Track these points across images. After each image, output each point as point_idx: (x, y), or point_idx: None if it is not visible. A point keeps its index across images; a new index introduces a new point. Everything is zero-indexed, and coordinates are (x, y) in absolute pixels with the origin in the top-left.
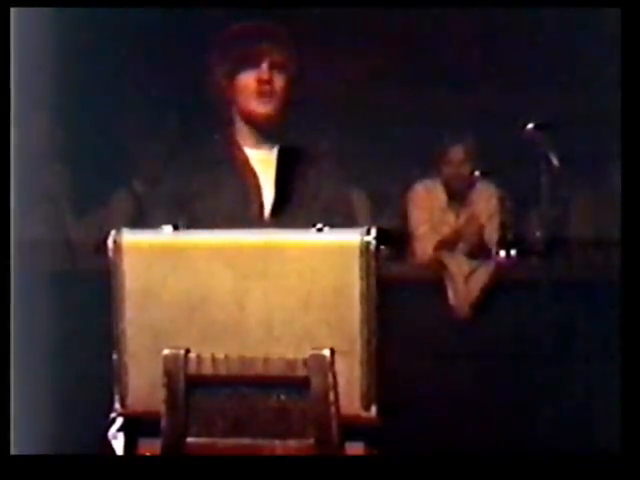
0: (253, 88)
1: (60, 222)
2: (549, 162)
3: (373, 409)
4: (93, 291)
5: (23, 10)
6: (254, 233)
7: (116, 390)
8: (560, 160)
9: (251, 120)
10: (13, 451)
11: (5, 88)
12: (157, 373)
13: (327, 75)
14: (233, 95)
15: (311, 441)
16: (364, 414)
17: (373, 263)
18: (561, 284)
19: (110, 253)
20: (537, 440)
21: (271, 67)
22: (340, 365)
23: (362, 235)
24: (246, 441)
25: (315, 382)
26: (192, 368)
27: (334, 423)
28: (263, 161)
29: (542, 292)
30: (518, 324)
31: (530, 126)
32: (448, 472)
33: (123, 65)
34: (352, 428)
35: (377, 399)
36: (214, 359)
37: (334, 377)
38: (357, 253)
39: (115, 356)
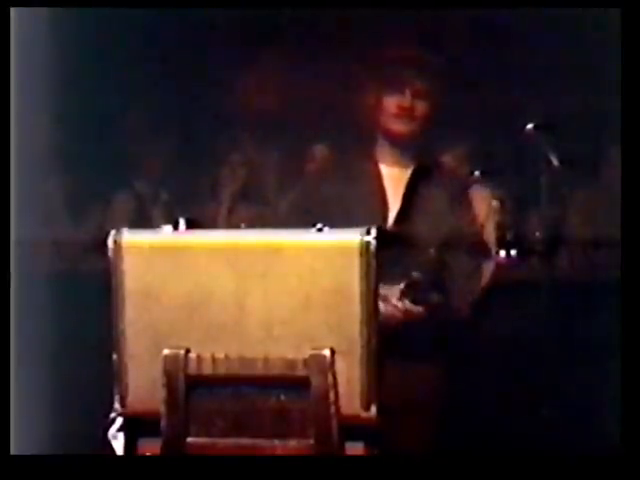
0: (395, 112)
1: (60, 222)
2: (549, 162)
3: (373, 409)
4: (93, 291)
5: (23, 10)
6: (254, 233)
7: (116, 390)
8: (560, 160)
9: (390, 139)
10: (13, 451)
11: (5, 88)
12: (157, 373)
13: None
14: (378, 114)
15: (311, 441)
16: (364, 414)
17: (373, 263)
18: (561, 284)
19: (110, 253)
20: (537, 440)
21: (413, 95)
22: (340, 365)
23: (362, 235)
24: (246, 441)
25: (315, 382)
26: (192, 368)
27: (334, 423)
28: (395, 178)
29: (542, 292)
30: (518, 324)
31: (530, 126)
32: (448, 472)
33: (123, 65)
34: (352, 428)
35: (377, 399)
36: (214, 359)
37: (334, 377)
38: (357, 253)
39: (115, 356)
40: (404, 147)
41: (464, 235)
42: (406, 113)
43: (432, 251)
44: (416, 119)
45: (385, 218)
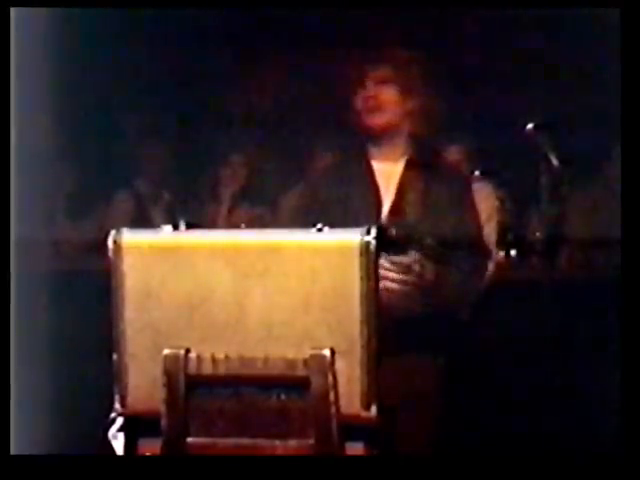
0: (362, 105)
1: (60, 222)
2: (549, 162)
3: (373, 409)
4: (93, 291)
5: (23, 10)
6: (254, 233)
7: (116, 390)
8: (560, 160)
9: (371, 133)
10: (13, 451)
11: (5, 88)
12: (157, 373)
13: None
14: (353, 112)
15: (311, 441)
16: (364, 414)
17: (373, 263)
18: (561, 284)
19: (110, 253)
20: (537, 440)
21: (376, 84)
22: (340, 365)
23: (362, 235)
24: (246, 441)
25: (315, 382)
26: (192, 368)
27: (334, 423)
28: (387, 172)
29: (542, 292)
30: (518, 324)
31: (530, 126)
32: (448, 472)
33: (123, 65)
34: (352, 428)
35: (377, 399)
36: (214, 359)
37: (334, 377)
38: (357, 253)
39: (115, 356)
40: (388, 140)
41: (461, 232)
42: (373, 104)
43: (430, 241)
44: (386, 109)
45: (379, 214)
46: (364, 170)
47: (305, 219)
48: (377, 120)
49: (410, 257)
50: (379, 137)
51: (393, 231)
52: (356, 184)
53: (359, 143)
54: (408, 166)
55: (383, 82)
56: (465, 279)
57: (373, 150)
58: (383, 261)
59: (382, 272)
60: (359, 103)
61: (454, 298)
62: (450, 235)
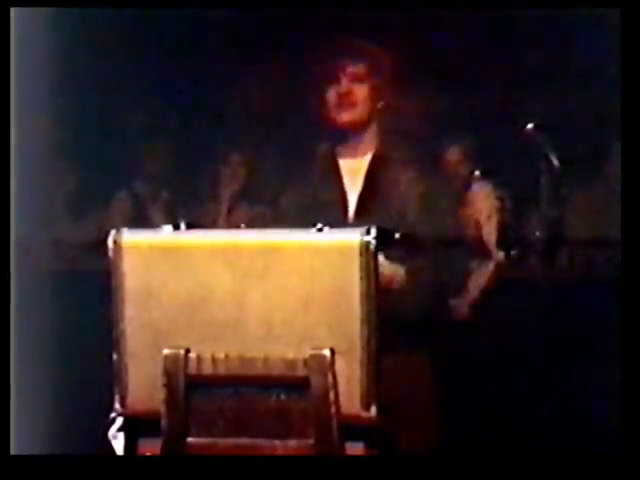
0: (335, 102)
1: (60, 222)
2: (549, 162)
3: (373, 409)
4: (93, 291)
5: (23, 10)
6: (254, 233)
7: (116, 390)
8: (560, 160)
9: (338, 129)
10: (13, 451)
11: (5, 88)
12: (157, 373)
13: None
14: (322, 110)
15: (311, 441)
16: (364, 414)
17: (373, 263)
18: (561, 284)
19: (110, 253)
20: (537, 440)
21: (351, 80)
22: (340, 365)
23: (362, 235)
24: (246, 441)
25: (315, 382)
26: (192, 368)
27: (334, 423)
28: (352, 169)
29: (542, 292)
30: (518, 324)
31: (530, 126)
32: (448, 472)
33: (123, 65)
34: (352, 428)
35: (377, 399)
36: (214, 359)
37: (334, 377)
38: (357, 253)
39: (115, 356)
40: (355, 137)
41: (431, 228)
42: (346, 100)
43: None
44: (357, 105)
45: (346, 212)
46: (331, 168)
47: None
48: (349, 115)
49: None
50: (347, 134)
51: (396, 234)
52: (323, 183)
53: (325, 141)
54: (374, 162)
55: (357, 79)
56: (439, 275)
57: (339, 148)
58: None
59: None
60: (332, 99)
61: (426, 295)
62: (421, 231)
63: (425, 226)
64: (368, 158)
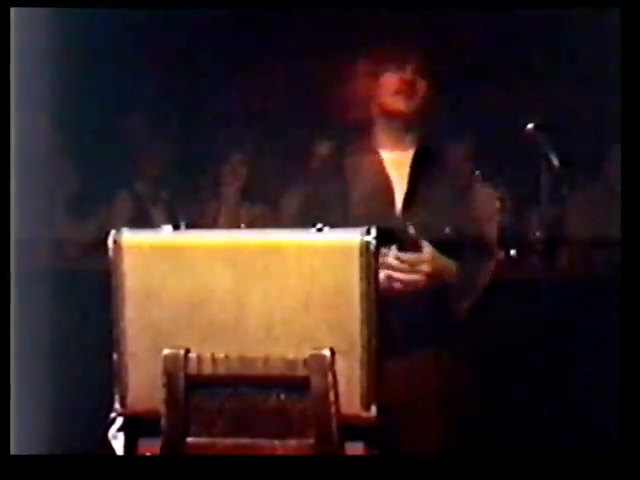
0: (396, 87)
1: (60, 222)
2: (549, 162)
3: (373, 409)
4: (93, 291)
5: (23, 10)
6: (254, 233)
7: (116, 390)
8: (560, 160)
9: (390, 118)
10: (13, 451)
11: (5, 88)
12: (157, 373)
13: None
14: (375, 94)
15: (311, 441)
16: (364, 414)
17: (373, 263)
18: (561, 284)
19: (110, 253)
20: (537, 440)
21: (415, 72)
22: (340, 365)
23: (362, 235)
24: (246, 441)
25: (315, 382)
26: (192, 368)
27: (334, 423)
28: (397, 162)
29: (542, 292)
30: (518, 324)
31: (530, 126)
32: (448, 472)
33: (123, 65)
34: (352, 428)
35: (377, 399)
36: (214, 359)
37: (334, 377)
38: (357, 253)
39: (115, 356)
40: (404, 128)
41: (466, 230)
42: (407, 89)
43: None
44: (416, 97)
45: (393, 206)
46: (373, 161)
47: (310, 219)
48: (406, 105)
49: (422, 255)
50: (395, 124)
51: (411, 229)
52: (366, 176)
53: (365, 133)
54: (418, 156)
55: (420, 74)
56: (474, 278)
57: (381, 139)
58: (390, 259)
59: (388, 270)
60: (392, 85)
61: (459, 297)
62: (461, 232)
63: (467, 224)
64: (412, 151)
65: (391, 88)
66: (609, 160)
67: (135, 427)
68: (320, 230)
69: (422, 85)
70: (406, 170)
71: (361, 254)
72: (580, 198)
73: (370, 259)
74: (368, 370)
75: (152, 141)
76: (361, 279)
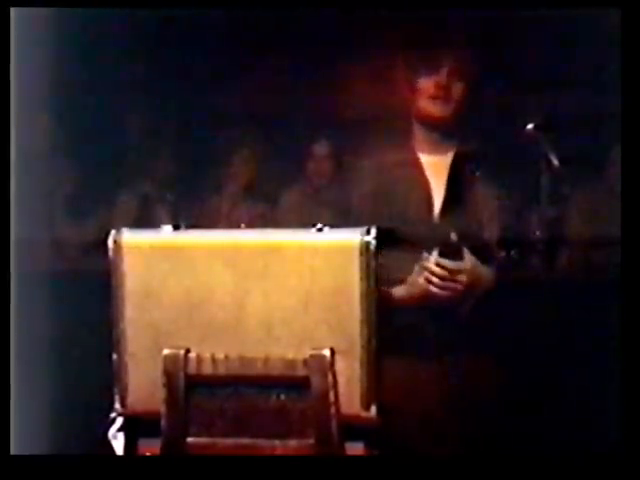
0: (431, 92)
1: (60, 222)
2: (549, 162)
3: (373, 409)
4: (93, 291)
5: (23, 10)
6: (254, 233)
7: (116, 390)
8: (560, 160)
9: (427, 122)
10: (13, 451)
11: (5, 88)
12: (157, 373)
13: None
14: (412, 98)
15: (311, 441)
16: (364, 414)
17: (373, 263)
18: (561, 284)
19: (110, 253)
20: (537, 440)
21: (450, 74)
22: (340, 365)
23: (362, 235)
24: (246, 441)
25: (315, 382)
26: (192, 368)
27: (334, 423)
28: (436, 165)
29: (542, 292)
30: (518, 324)
31: (530, 126)
32: (448, 472)
33: (124, 65)
34: (352, 428)
35: (377, 399)
36: (214, 359)
37: (334, 377)
38: (357, 253)
39: (115, 356)
40: (441, 132)
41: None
42: (443, 93)
43: (453, 236)
44: (452, 101)
45: (430, 210)
46: (412, 163)
47: (349, 219)
48: (442, 109)
49: (463, 264)
50: (432, 128)
51: (453, 235)
52: (405, 179)
53: (403, 135)
54: (457, 159)
55: (455, 77)
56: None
57: (419, 142)
58: (431, 265)
59: (428, 275)
60: (428, 90)
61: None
62: (506, 236)
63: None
64: (450, 155)
65: (427, 93)
66: (609, 160)
67: (135, 427)
68: (320, 230)
69: (458, 88)
70: (444, 175)
71: (361, 254)
72: (580, 198)
73: (370, 259)
74: (368, 370)
75: (152, 141)
76: (361, 279)
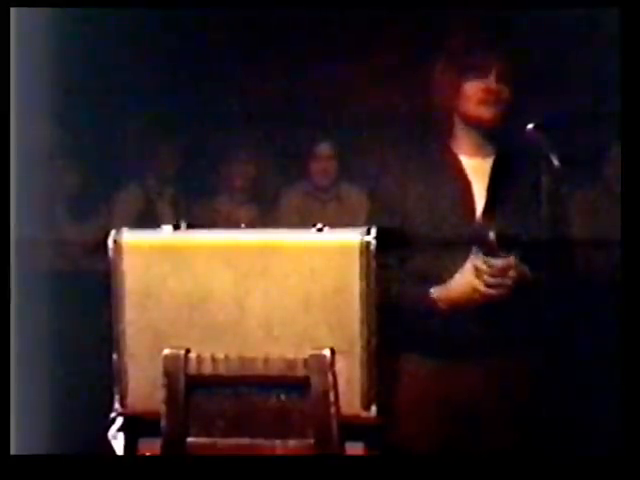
0: (479, 97)
1: (60, 222)
2: (549, 162)
3: (373, 409)
4: (93, 291)
5: (23, 10)
6: (254, 233)
7: (116, 390)
8: (560, 160)
9: (474, 126)
10: (13, 451)
11: (5, 88)
12: (157, 373)
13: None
14: (457, 102)
15: (311, 441)
16: (364, 414)
17: (373, 263)
18: (561, 284)
19: (110, 253)
20: (537, 440)
21: (498, 79)
22: (340, 365)
23: (362, 235)
24: (246, 441)
25: (315, 382)
26: (192, 368)
27: (334, 423)
28: (477, 168)
29: (542, 292)
30: (518, 324)
31: (530, 126)
32: (448, 472)
33: (124, 65)
34: (352, 428)
35: (377, 399)
36: (214, 359)
37: (334, 377)
38: (357, 253)
39: (115, 356)
40: (485, 135)
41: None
42: (492, 97)
43: (492, 235)
44: (500, 104)
45: (473, 212)
46: (453, 165)
47: (387, 220)
48: (489, 113)
49: (509, 260)
50: (476, 131)
51: (492, 235)
52: (447, 181)
53: (444, 136)
54: (498, 162)
55: (503, 80)
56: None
57: (460, 144)
58: (479, 263)
59: (478, 274)
60: (476, 94)
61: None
62: (543, 236)
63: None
64: (491, 158)
65: (475, 97)
66: (609, 160)
67: (135, 427)
68: (320, 230)
69: (505, 92)
70: (486, 177)
71: (361, 254)
72: (580, 198)
73: (370, 259)
74: (368, 370)
75: (153, 141)
76: (361, 279)
